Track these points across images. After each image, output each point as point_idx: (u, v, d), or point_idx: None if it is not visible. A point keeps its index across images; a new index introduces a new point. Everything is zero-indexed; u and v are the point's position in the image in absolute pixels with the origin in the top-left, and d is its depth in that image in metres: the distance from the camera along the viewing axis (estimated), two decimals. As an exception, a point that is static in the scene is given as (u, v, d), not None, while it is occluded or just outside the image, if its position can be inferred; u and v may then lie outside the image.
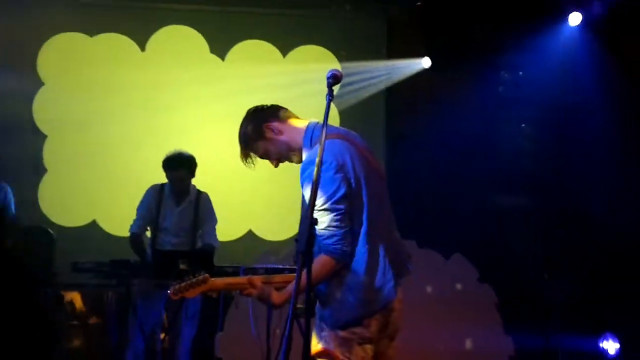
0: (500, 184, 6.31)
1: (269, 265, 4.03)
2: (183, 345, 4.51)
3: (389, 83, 6.40)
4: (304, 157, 2.55)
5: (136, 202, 4.71)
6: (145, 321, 4.29)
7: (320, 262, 2.36)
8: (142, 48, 6.30)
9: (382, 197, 2.56)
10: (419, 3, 6.24)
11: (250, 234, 6.25)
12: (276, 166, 2.68)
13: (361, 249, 2.41)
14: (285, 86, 5.85)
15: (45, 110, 6.11)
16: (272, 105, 2.68)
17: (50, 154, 6.10)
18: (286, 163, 2.71)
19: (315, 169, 2.18)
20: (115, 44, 6.23)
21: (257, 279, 2.51)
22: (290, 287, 2.44)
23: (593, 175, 5.80)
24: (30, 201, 5.80)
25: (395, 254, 2.51)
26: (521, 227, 6.31)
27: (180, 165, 4.54)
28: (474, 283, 5.08)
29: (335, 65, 6.17)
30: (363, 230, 2.43)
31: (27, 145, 5.98)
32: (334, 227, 2.37)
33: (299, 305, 2.29)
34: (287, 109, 2.67)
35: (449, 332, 4.86)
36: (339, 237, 2.37)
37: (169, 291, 2.51)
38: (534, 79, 6.21)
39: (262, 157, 2.66)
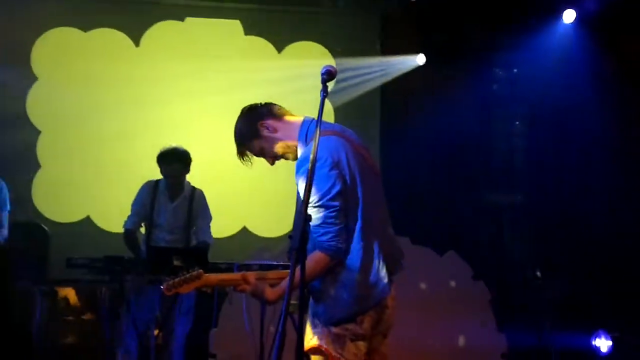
0: (494, 181, 6.33)
1: (263, 262, 4.03)
2: (177, 341, 4.51)
3: (383, 80, 6.40)
4: (299, 154, 2.55)
5: (130, 198, 4.70)
6: (139, 317, 4.28)
7: (314, 258, 2.36)
8: (137, 43, 6.28)
9: (377, 194, 2.56)
10: (413, 0, 6.24)
11: (244, 231, 6.25)
12: (272, 164, 2.68)
13: (356, 245, 2.42)
14: (280, 82, 5.85)
15: (39, 105, 6.09)
16: (267, 103, 2.68)
17: (44, 150, 6.08)
18: (280, 160, 2.71)
19: (310, 165, 2.18)
20: (109, 39, 6.21)
21: (251, 275, 2.52)
22: (284, 283, 2.44)
23: (588, 173, 5.83)
24: (24, 197, 5.77)
25: (389, 251, 2.51)
26: (515, 225, 6.33)
27: (175, 160, 4.53)
28: (468, 280, 5.09)
29: (330, 61, 6.17)
30: (358, 227, 2.43)
31: (20, 141, 5.96)
32: (328, 223, 2.37)
33: (292, 302, 2.30)
34: (281, 106, 2.67)
35: (442, 329, 4.87)
36: (334, 234, 2.37)
37: (162, 286, 2.51)
38: (529, 76, 6.23)
39: (258, 155, 2.66)
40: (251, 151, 2.65)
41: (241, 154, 2.66)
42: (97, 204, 6.03)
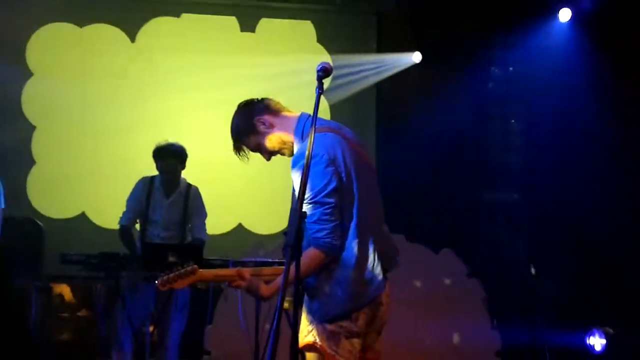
0: (489, 179, 6.34)
1: (258, 259, 4.03)
2: (172, 338, 4.50)
3: (379, 77, 6.40)
4: (295, 150, 2.56)
5: (126, 194, 4.69)
6: (134, 314, 4.27)
7: (310, 255, 2.36)
8: (132, 39, 6.27)
9: (372, 191, 2.57)
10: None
11: (239, 228, 6.25)
12: (268, 159, 2.69)
13: (351, 242, 2.42)
14: (276, 78, 5.84)
15: (34, 101, 6.07)
16: (263, 99, 2.68)
17: (39, 145, 6.07)
18: (276, 157, 2.71)
19: (305, 162, 2.19)
20: (105, 35, 6.19)
21: (246, 271, 2.52)
22: (279, 279, 2.44)
23: (584, 172, 5.84)
24: (18, 193, 5.76)
25: (384, 248, 2.52)
26: (510, 223, 6.34)
27: (170, 155, 4.52)
28: (463, 278, 5.10)
29: (325, 58, 6.16)
30: (353, 224, 2.43)
31: (15, 137, 5.94)
32: (323, 220, 2.37)
33: (288, 298, 2.30)
34: (278, 102, 2.67)
35: (437, 326, 4.89)
36: (329, 231, 2.37)
37: (156, 282, 2.50)
38: (525, 75, 6.24)
39: (254, 151, 2.66)
40: (247, 146, 2.65)
41: (237, 149, 2.66)
42: (92, 200, 6.02)
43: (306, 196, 2.35)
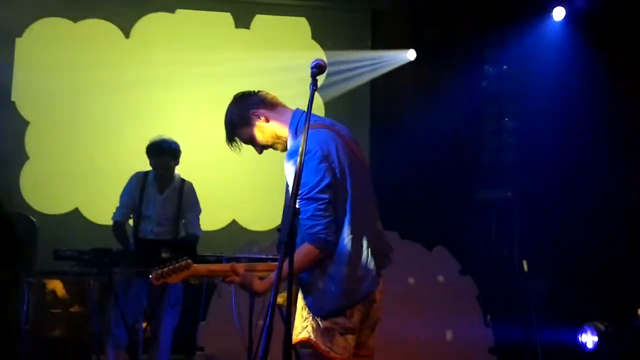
0: (483, 177, 6.35)
1: (252, 255, 4.03)
2: (164, 334, 4.49)
3: (374, 75, 6.41)
4: (288, 146, 2.56)
5: (119, 190, 4.68)
6: (127, 310, 4.27)
7: (304, 251, 2.37)
8: (127, 35, 6.25)
9: (366, 188, 2.57)
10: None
11: (234, 224, 6.24)
12: (260, 152, 2.68)
13: (344, 239, 2.42)
14: (270, 75, 5.83)
15: (27, 96, 6.04)
16: (260, 92, 2.68)
17: (32, 141, 6.05)
18: (270, 153, 2.71)
19: (299, 158, 2.19)
20: (99, 30, 6.17)
21: (240, 267, 2.51)
22: (273, 275, 2.44)
23: (576, 170, 5.86)
24: (12, 188, 5.74)
25: (378, 245, 2.52)
26: (504, 221, 6.36)
27: (164, 151, 4.51)
28: (456, 275, 5.12)
29: (320, 55, 6.16)
30: (347, 220, 2.43)
31: (9, 132, 5.92)
32: (317, 216, 2.37)
33: (281, 294, 2.30)
34: (274, 96, 2.67)
35: (430, 323, 4.90)
36: (323, 226, 2.38)
37: (150, 276, 2.50)
38: (518, 73, 6.26)
39: (246, 143, 2.66)
40: (240, 138, 2.64)
41: (230, 140, 2.65)
42: (86, 196, 6.00)
43: (300, 192, 2.35)
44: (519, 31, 6.04)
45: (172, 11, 6.33)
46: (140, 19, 6.25)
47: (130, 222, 4.70)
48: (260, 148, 2.65)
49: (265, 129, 2.61)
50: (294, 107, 2.65)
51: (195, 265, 2.53)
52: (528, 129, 6.20)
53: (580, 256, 5.68)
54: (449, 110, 6.00)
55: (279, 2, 6.47)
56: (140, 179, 4.62)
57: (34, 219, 5.31)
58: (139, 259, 4.04)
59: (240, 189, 6.21)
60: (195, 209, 4.68)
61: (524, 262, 4.94)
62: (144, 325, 4.35)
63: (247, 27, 6.47)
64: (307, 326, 2.44)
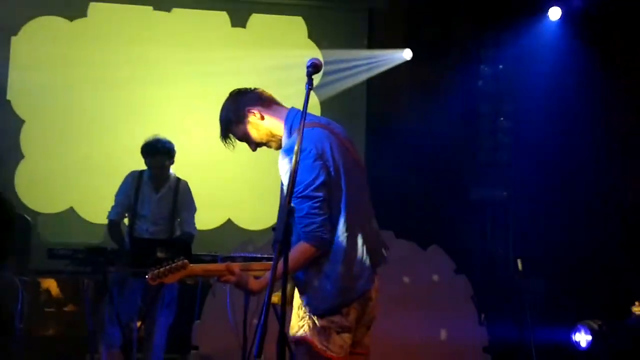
0: (479, 177, 6.37)
1: (247, 254, 4.03)
2: (159, 333, 4.49)
3: (370, 74, 6.41)
4: (283, 144, 2.56)
5: (114, 189, 4.68)
6: (121, 309, 4.26)
7: (299, 249, 2.37)
8: (123, 34, 6.22)
9: (361, 186, 2.57)
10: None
11: (229, 223, 6.24)
12: (254, 150, 2.68)
13: (339, 237, 2.42)
14: (266, 74, 5.83)
15: (23, 95, 6.03)
16: (256, 89, 2.68)
17: (27, 140, 6.03)
18: (266, 152, 2.71)
19: (294, 156, 2.19)
20: (94, 29, 6.15)
21: (235, 266, 2.51)
22: (269, 274, 2.44)
23: (571, 170, 5.88)
24: (6, 187, 5.72)
25: (373, 243, 2.52)
26: (499, 220, 6.38)
27: (158, 151, 4.51)
28: (451, 274, 5.12)
29: (316, 54, 6.16)
30: (342, 218, 2.43)
31: (4, 131, 5.90)
32: (312, 214, 2.37)
33: (276, 293, 2.30)
34: (270, 94, 2.67)
35: (425, 322, 4.90)
36: (318, 225, 2.38)
37: (147, 276, 2.49)
38: (514, 73, 6.27)
39: (241, 140, 2.66)
40: (235, 135, 2.64)
41: (224, 137, 2.65)
42: (81, 194, 5.99)
43: (295, 190, 2.35)
44: (515, 31, 6.05)
45: (169, 10, 6.32)
46: (137, 18, 6.23)
47: (126, 221, 4.69)
48: (255, 145, 2.65)
49: (260, 126, 2.61)
50: (290, 106, 2.65)
51: (191, 265, 2.53)
52: (524, 128, 6.22)
53: (575, 256, 5.69)
54: (444, 109, 6.01)
55: (275, 1, 6.47)
56: (135, 178, 4.62)
57: (29, 218, 5.31)
58: (134, 258, 4.04)
59: (236, 188, 6.20)
60: (191, 208, 4.68)
61: (518, 261, 4.96)
62: (139, 324, 4.34)
63: (244, 26, 6.46)
64: (303, 325, 2.44)
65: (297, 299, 2.50)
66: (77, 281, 4.84)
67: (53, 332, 5.26)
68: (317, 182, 2.40)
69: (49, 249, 4.00)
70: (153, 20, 6.29)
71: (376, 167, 5.73)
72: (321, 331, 2.41)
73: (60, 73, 6.04)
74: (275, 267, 2.11)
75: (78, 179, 5.98)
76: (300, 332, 2.44)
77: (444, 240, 5.29)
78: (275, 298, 2.33)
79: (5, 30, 5.97)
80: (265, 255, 3.76)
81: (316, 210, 2.38)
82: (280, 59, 6.04)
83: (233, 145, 2.66)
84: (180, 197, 4.62)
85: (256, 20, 6.47)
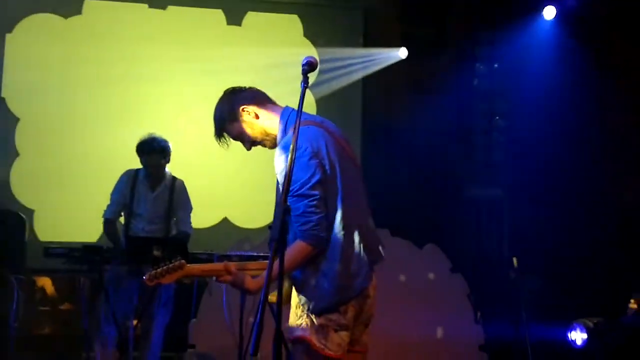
0: (474, 175, 6.38)
1: (243, 253, 4.03)
2: (156, 332, 4.49)
3: (365, 73, 6.41)
4: (278, 143, 2.55)
5: (109, 187, 4.67)
6: (117, 307, 4.25)
7: (296, 248, 2.37)
8: (118, 31, 6.21)
9: (357, 184, 2.57)
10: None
11: (225, 222, 6.24)
12: (249, 149, 2.68)
13: (336, 235, 2.42)
14: (262, 72, 5.83)
15: (18, 92, 6.01)
16: (250, 88, 2.67)
17: (22, 138, 6.01)
18: (261, 151, 2.71)
19: (290, 155, 2.19)
20: (89, 27, 6.13)
21: (233, 265, 2.51)
22: (266, 273, 2.44)
23: (566, 169, 5.90)
24: (1, 185, 5.71)
25: (370, 241, 2.53)
26: (494, 219, 6.39)
27: (154, 150, 4.50)
28: (446, 273, 5.13)
29: (312, 52, 6.16)
30: (338, 216, 2.43)
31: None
32: (309, 212, 2.37)
33: (273, 292, 2.30)
34: (264, 93, 2.67)
35: (421, 320, 4.91)
36: (315, 223, 2.38)
37: (144, 277, 2.49)
38: (509, 71, 6.28)
39: (235, 139, 2.66)
40: (229, 134, 2.64)
41: (219, 135, 2.65)
42: (76, 193, 5.97)
43: (291, 189, 2.35)
44: (510, 30, 6.06)
45: (164, 8, 6.30)
46: (132, 15, 6.22)
47: (122, 219, 4.68)
48: (249, 144, 2.65)
49: (255, 125, 2.60)
50: (285, 104, 2.65)
51: (188, 265, 2.52)
52: (519, 127, 6.23)
53: (571, 254, 5.71)
54: (440, 108, 6.02)
55: (270, -1, 6.48)
56: (131, 176, 4.61)
57: (24, 216, 5.29)
58: (130, 257, 4.03)
59: (232, 187, 6.20)
60: (187, 207, 4.67)
61: (514, 260, 4.97)
62: (135, 323, 4.34)
63: (239, 24, 6.46)
64: (301, 323, 2.44)
65: (294, 298, 2.50)
66: (73, 279, 4.84)
67: (48, 331, 5.25)
68: (313, 181, 2.40)
69: (45, 248, 4.00)
70: (148, 17, 6.27)
71: (372, 165, 5.72)
72: (319, 329, 2.41)
73: (55, 71, 6.03)
74: (271, 265, 2.11)
75: (73, 177, 5.97)
76: (298, 331, 2.44)
77: (440, 239, 5.30)
78: (272, 297, 2.33)
79: (1, 27, 5.95)
80: (262, 254, 3.76)
81: (312, 209, 2.38)
82: (275, 57, 6.03)
83: (227, 144, 2.66)
84: (176, 196, 4.61)
85: (252, 18, 6.47)
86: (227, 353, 4.26)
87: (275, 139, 2.58)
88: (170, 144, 4.61)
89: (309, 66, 2.28)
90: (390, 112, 6.28)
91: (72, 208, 5.98)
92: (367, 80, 6.47)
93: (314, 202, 2.38)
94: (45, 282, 5.24)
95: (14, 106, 6.01)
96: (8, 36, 6.02)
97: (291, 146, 2.19)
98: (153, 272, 2.48)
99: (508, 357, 5.29)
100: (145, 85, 6.13)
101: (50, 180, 5.96)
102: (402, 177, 6.13)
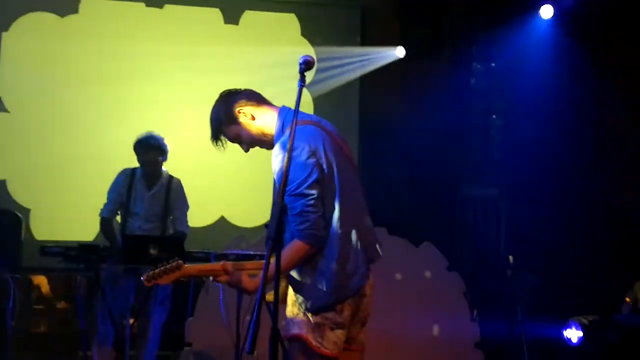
0: (470, 174, 6.39)
1: (240, 252, 4.03)
2: (152, 330, 4.49)
3: (363, 71, 6.42)
4: (275, 142, 2.56)
5: (106, 185, 4.67)
6: (114, 306, 4.25)
7: (294, 247, 2.37)
8: (115, 30, 6.20)
9: (354, 183, 2.58)
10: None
11: (222, 221, 6.24)
12: (246, 151, 2.68)
13: (334, 234, 2.43)
14: (259, 71, 5.83)
15: (14, 91, 6.00)
16: (246, 89, 2.68)
17: (18, 135, 6.00)
18: (258, 150, 2.71)
19: (287, 154, 2.19)
20: (86, 26, 6.12)
21: (230, 265, 2.51)
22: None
23: (562, 167, 5.91)
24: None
25: (367, 240, 2.53)
26: (490, 217, 6.40)
27: (152, 147, 4.50)
28: (443, 271, 5.13)
29: (309, 51, 6.16)
30: (335, 215, 2.44)
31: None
32: (306, 212, 2.38)
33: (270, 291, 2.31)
34: (260, 94, 2.68)
35: (417, 318, 4.92)
36: (312, 222, 2.38)
37: (142, 278, 2.49)
38: (506, 71, 6.29)
39: (232, 141, 2.66)
40: (226, 136, 2.64)
41: (216, 138, 2.65)
42: (73, 191, 5.97)
43: (288, 188, 2.36)
44: (508, 29, 6.07)
45: (161, 6, 6.30)
46: (129, 14, 6.21)
47: (118, 218, 4.68)
48: (247, 146, 2.65)
49: (252, 126, 2.60)
50: (283, 103, 2.66)
51: (186, 265, 2.52)
52: (515, 126, 6.24)
53: (566, 252, 5.73)
54: (437, 107, 6.02)
55: (266, -3, 6.47)
56: (128, 175, 4.61)
57: (20, 215, 5.29)
58: (126, 256, 4.03)
59: (229, 186, 6.20)
60: (183, 206, 4.67)
61: (510, 258, 4.98)
62: (131, 321, 4.34)
63: (236, 23, 6.45)
64: (297, 322, 2.44)
65: (291, 296, 2.50)
66: (70, 278, 4.83)
67: (45, 330, 5.25)
68: (311, 180, 2.40)
69: (42, 246, 4.00)
70: (145, 16, 6.27)
71: (369, 164, 5.74)
72: (315, 328, 2.42)
73: (52, 69, 6.01)
74: (267, 263, 2.11)
75: (70, 176, 5.96)
76: (295, 329, 2.44)
77: (436, 237, 5.30)
78: (269, 295, 2.33)
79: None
80: (259, 253, 3.77)
81: (310, 208, 2.38)
82: (273, 56, 6.03)
83: (224, 147, 2.66)
84: (172, 195, 4.61)
85: (249, 17, 6.47)
86: (224, 351, 4.26)
87: (272, 139, 2.58)
88: (168, 142, 4.61)
89: (306, 65, 2.29)
90: (388, 111, 6.29)
91: (68, 207, 5.98)
92: (364, 79, 6.47)
93: (312, 202, 2.39)
94: (41, 281, 5.24)
95: (9, 104, 6.00)
96: (4, 35, 6.01)
97: (288, 145, 2.20)
98: (151, 272, 2.48)
99: (504, 354, 5.31)
100: (142, 84, 6.13)
101: (46, 179, 5.95)
102: (399, 175, 6.14)
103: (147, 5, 6.27)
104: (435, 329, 4.97)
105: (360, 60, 6.40)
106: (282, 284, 2.47)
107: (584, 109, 5.88)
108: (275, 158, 2.45)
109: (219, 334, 4.11)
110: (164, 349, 4.83)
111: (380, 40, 6.43)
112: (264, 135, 2.61)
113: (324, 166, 2.45)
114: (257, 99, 2.64)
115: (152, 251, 3.85)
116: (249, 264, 2.58)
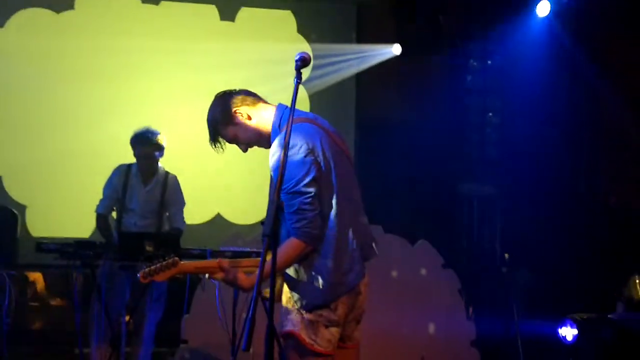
0: (466, 172, 6.40)
1: (236, 249, 4.03)
2: (148, 327, 4.49)
3: (359, 69, 6.42)
4: (272, 141, 2.56)
5: (101, 181, 4.66)
6: (110, 303, 4.25)
7: (290, 245, 2.37)
8: (111, 27, 6.18)
9: (351, 181, 2.58)
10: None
11: (218, 217, 6.24)
12: (245, 151, 2.68)
13: (330, 232, 2.43)
14: (255, 68, 5.82)
15: (10, 87, 5.98)
16: (241, 90, 2.67)
17: (14, 132, 5.98)
18: (256, 147, 2.71)
19: (283, 151, 2.19)
20: (82, 22, 6.11)
21: (226, 262, 2.51)
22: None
23: (558, 165, 5.92)
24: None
25: (363, 238, 2.53)
26: (486, 215, 6.41)
27: (148, 141, 4.49)
28: (438, 269, 5.14)
29: (305, 48, 6.16)
30: (332, 213, 2.44)
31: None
32: (303, 210, 2.38)
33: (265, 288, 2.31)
34: (255, 93, 2.67)
35: (413, 316, 4.92)
36: (309, 221, 2.38)
37: (138, 275, 2.48)
38: (502, 68, 6.30)
39: (230, 142, 2.65)
40: (224, 137, 2.64)
41: (214, 140, 2.64)
42: (68, 187, 5.96)
43: (285, 186, 2.36)
44: (504, 26, 6.08)
45: (157, 3, 6.28)
46: (125, 10, 6.19)
47: (114, 214, 4.67)
48: (245, 146, 2.65)
49: (248, 126, 2.60)
50: (279, 100, 2.65)
51: (182, 262, 2.52)
52: (512, 124, 6.25)
53: (562, 250, 5.74)
54: (433, 104, 6.03)
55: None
56: (123, 171, 4.60)
57: (16, 211, 5.27)
58: (122, 252, 4.02)
59: (225, 183, 6.20)
60: (179, 202, 4.66)
61: (506, 256, 4.99)
62: (127, 318, 4.34)
63: (232, 19, 6.44)
64: (291, 319, 2.45)
65: (286, 293, 2.50)
66: (66, 275, 4.82)
67: (41, 326, 5.24)
68: (308, 178, 2.40)
69: (38, 243, 3.99)
70: (141, 13, 6.25)
71: (365, 161, 5.74)
72: (309, 325, 2.42)
73: (47, 65, 6.00)
74: (263, 260, 2.11)
75: (66, 172, 5.95)
76: (289, 326, 2.45)
77: (432, 235, 5.31)
78: (266, 293, 2.33)
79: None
80: (255, 250, 3.76)
81: (307, 206, 2.38)
82: (269, 52, 6.03)
83: (223, 149, 2.66)
84: (168, 191, 4.60)
85: (245, 13, 6.46)
86: (220, 348, 4.26)
87: (269, 138, 2.58)
88: (164, 138, 4.60)
89: (302, 62, 2.28)
90: (384, 109, 6.29)
91: (64, 203, 5.97)
92: (360, 76, 6.47)
93: (309, 200, 2.39)
94: (37, 278, 5.23)
95: (5, 101, 5.98)
96: (0, 30, 5.99)
97: (284, 143, 2.20)
98: (147, 269, 2.48)
99: (499, 352, 5.32)
100: (138, 80, 6.12)
101: (42, 176, 5.95)
102: (395, 173, 6.15)
103: (143, 2, 6.26)
104: (431, 327, 4.98)
105: (357, 58, 6.40)
106: (278, 281, 2.47)
107: (580, 107, 5.90)
108: (273, 156, 2.44)
109: (214, 331, 4.11)
110: (160, 346, 4.83)
111: (376, 38, 6.43)
112: (261, 134, 2.60)
113: (322, 164, 2.45)
114: (252, 98, 2.63)
115: (148, 248, 3.85)
116: (245, 261, 2.58)
